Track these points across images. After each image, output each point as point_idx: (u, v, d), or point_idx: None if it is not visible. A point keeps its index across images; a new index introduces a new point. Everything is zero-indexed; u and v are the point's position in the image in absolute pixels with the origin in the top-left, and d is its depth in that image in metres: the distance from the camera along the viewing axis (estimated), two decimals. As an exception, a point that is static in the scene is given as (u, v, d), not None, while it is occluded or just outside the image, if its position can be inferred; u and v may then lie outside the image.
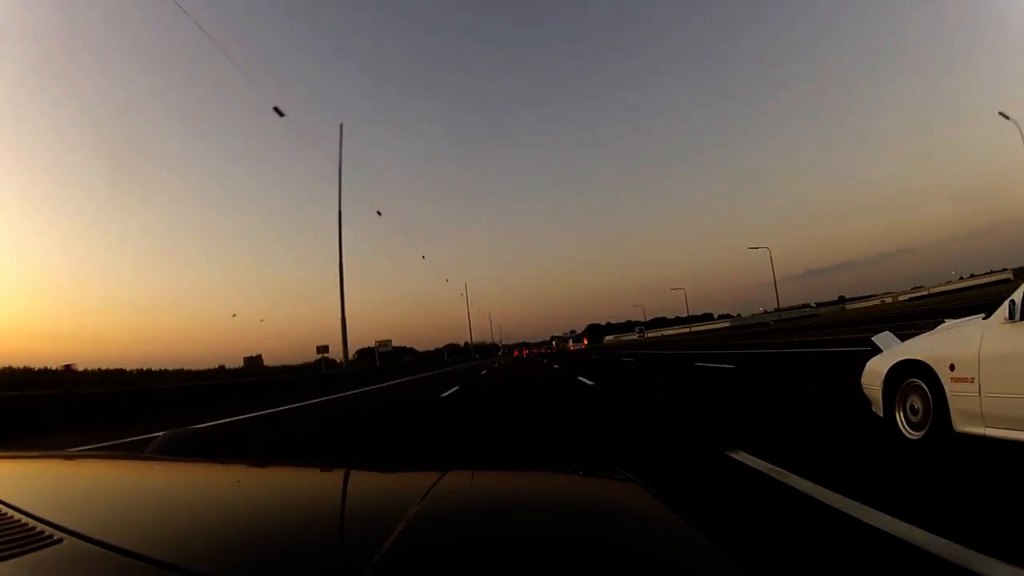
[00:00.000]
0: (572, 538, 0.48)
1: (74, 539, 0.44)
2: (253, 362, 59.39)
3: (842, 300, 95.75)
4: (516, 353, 77.19)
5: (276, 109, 19.05)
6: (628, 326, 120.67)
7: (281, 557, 0.44)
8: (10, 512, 0.52)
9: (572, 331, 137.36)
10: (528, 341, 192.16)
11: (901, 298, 61.14)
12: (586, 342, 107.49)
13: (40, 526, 0.47)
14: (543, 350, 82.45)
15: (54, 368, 15.09)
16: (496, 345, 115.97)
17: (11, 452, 1.34)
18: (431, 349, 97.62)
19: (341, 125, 22.54)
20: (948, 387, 2.66)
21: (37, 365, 15.49)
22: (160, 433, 1.03)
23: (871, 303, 70.91)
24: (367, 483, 0.78)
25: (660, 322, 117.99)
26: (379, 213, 30.38)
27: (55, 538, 0.44)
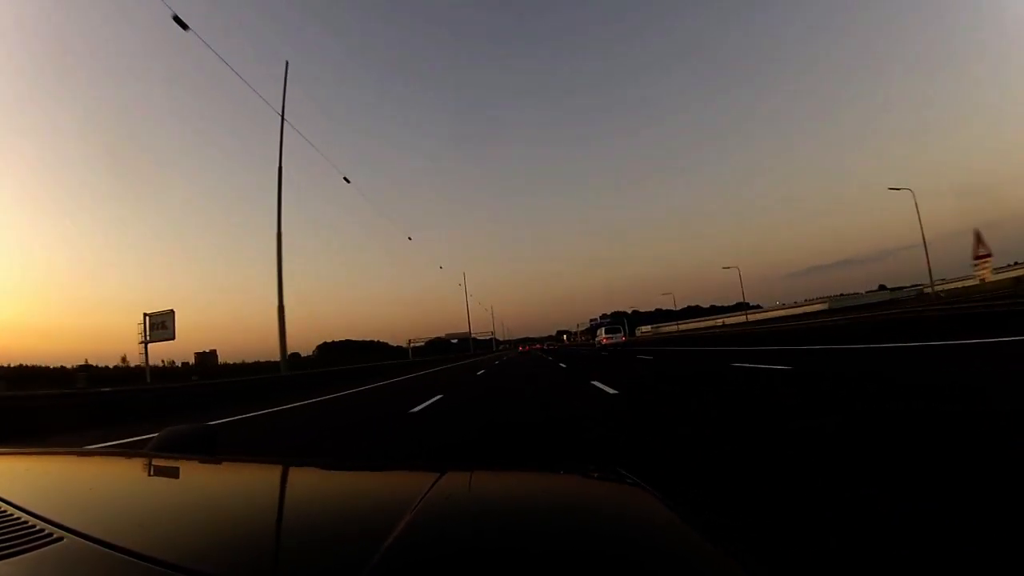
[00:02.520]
0: (571, 538, 0.47)
1: (75, 537, 0.44)
2: (206, 358, 52.24)
3: (883, 287, 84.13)
4: (521, 348, 68.64)
5: (176, 18, 12.13)
6: (658, 316, 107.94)
7: (281, 555, 0.44)
8: (10, 510, 0.52)
9: (603, 315, 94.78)
10: (531, 337, 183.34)
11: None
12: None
13: (41, 524, 0.47)
14: (544, 346, 71.23)
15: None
16: (495, 340, 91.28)
17: (11, 449, 1.20)
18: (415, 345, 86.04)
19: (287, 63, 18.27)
20: None
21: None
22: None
23: (959, 284, 59.63)
24: (367, 482, 0.78)
25: (694, 311, 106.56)
26: (347, 180, 22.25)
27: (55, 536, 0.44)
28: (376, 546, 0.39)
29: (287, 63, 19.11)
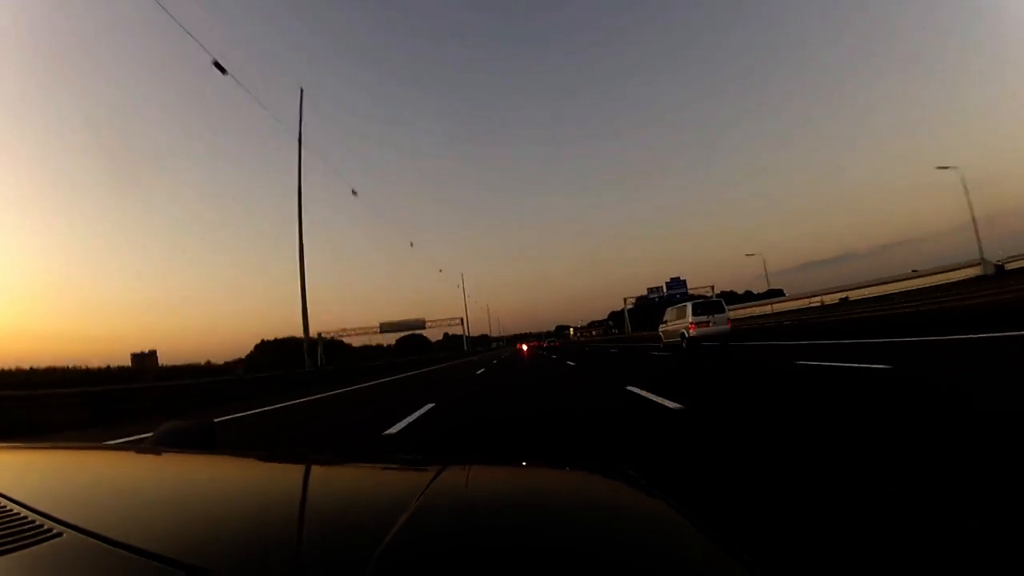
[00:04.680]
0: (572, 535, 0.47)
1: (74, 533, 0.44)
2: (145, 360, 42.11)
3: (915, 271, 75.10)
4: (519, 346, 57.47)
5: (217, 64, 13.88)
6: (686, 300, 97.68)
7: (282, 550, 0.44)
8: (9, 505, 0.51)
9: (673, 279, 63.75)
10: (531, 332, 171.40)
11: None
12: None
13: (40, 520, 0.47)
14: (544, 343, 59.40)
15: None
16: (468, 338, 75.79)
17: (10, 444, 1.14)
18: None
19: (301, 90, 19.70)
20: None
21: None
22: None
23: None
24: (367, 477, 0.77)
25: (729, 297, 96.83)
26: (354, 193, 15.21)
27: (55, 532, 0.44)
28: (376, 541, 0.39)
29: (302, 90, 19.19)
